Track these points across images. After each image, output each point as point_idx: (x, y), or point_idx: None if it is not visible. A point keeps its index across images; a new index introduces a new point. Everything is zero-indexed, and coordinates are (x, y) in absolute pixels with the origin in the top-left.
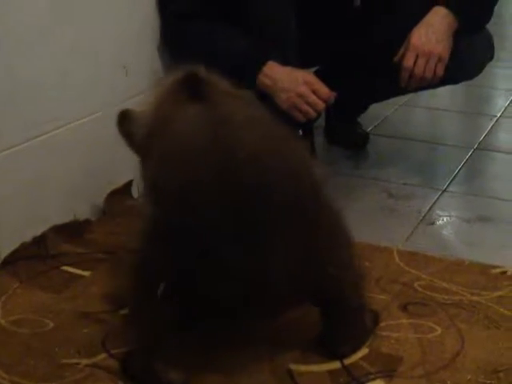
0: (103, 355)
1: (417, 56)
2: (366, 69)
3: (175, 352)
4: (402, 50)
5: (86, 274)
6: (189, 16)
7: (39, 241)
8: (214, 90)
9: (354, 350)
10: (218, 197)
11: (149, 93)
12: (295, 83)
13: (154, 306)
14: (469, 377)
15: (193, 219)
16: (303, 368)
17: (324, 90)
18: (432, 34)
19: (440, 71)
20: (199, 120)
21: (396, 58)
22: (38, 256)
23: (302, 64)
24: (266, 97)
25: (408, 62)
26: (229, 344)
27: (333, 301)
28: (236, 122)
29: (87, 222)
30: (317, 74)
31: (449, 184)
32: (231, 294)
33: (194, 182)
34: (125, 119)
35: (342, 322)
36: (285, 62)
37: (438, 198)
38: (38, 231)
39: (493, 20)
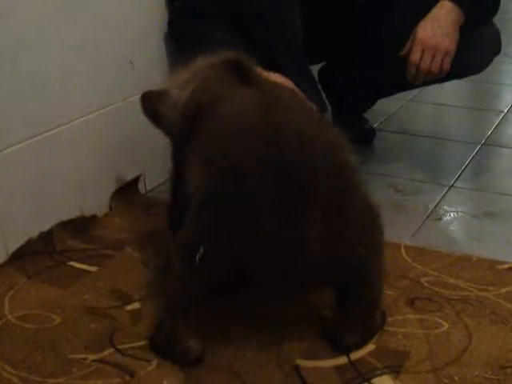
0: (110, 350)
1: (423, 50)
2: (372, 64)
3: (198, 321)
4: (408, 45)
5: (93, 269)
6: (192, 13)
7: (46, 236)
8: (258, 75)
9: (360, 344)
10: (266, 171)
11: (174, 75)
12: None
13: (191, 271)
14: (476, 372)
15: (243, 190)
16: (310, 363)
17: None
18: (438, 27)
19: (447, 65)
20: (252, 102)
21: (402, 53)
22: (44, 251)
23: (308, 60)
24: None
25: (414, 56)
26: (246, 323)
27: (355, 283)
28: (283, 104)
29: (94, 217)
30: (323, 69)
31: (456, 179)
32: (267, 264)
33: (246, 156)
34: (150, 100)
35: (354, 312)
36: (291, 56)
37: (445, 194)
38: (45, 227)
39: (498, 16)
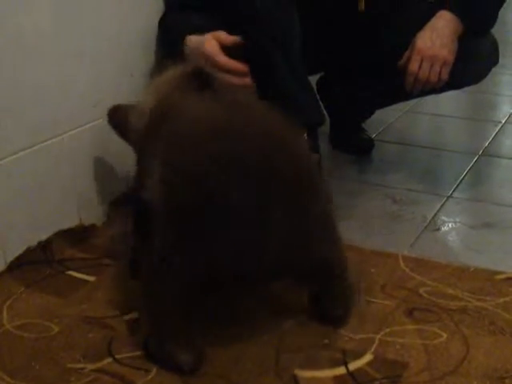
0: (108, 360)
1: (422, 60)
2: (371, 74)
3: (186, 333)
4: (406, 54)
5: (91, 278)
6: (182, 7)
7: (44, 245)
8: (219, 83)
9: (347, 312)
10: (230, 170)
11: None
12: (201, 41)
13: (166, 282)
14: (474, 383)
15: (209, 190)
16: (308, 373)
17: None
18: (437, 38)
19: (445, 75)
20: (212, 104)
21: (401, 62)
22: (43, 261)
23: (307, 70)
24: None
25: (413, 65)
26: (244, 332)
27: (324, 276)
28: (245, 105)
29: (92, 226)
30: (321, 80)
31: (454, 190)
32: (237, 260)
33: (209, 156)
34: (116, 112)
35: (332, 292)
36: (289, 67)
37: (443, 204)
38: (43, 236)
39: (497, 27)
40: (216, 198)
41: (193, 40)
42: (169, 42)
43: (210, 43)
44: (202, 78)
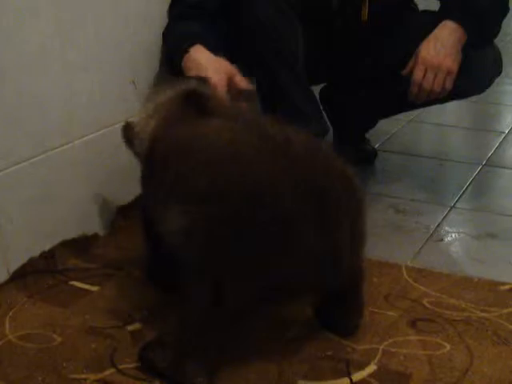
0: (111, 370)
1: (426, 69)
2: (374, 85)
3: (207, 356)
4: (410, 64)
5: (94, 288)
6: (186, 18)
7: (47, 256)
8: (217, 105)
9: (359, 323)
10: (274, 191)
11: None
12: (215, 72)
13: (209, 305)
14: None
15: (265, 214)
16: None
17: (243, 82)
18: (441, 47)
19: (449, 85)
20: (239, 126)
21: (405, 72)
22: (46, 271)
23: (310, 81)
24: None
25: (417, 75)
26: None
27: (346, 288)
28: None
29: (95, 236)
30: (324, 90)
31: (457, 200)
32: (301, 278)
33: (262, 178)
34: (126, 129)
35: (347, 304)
36: (293, 79)
37: (446, 215)
38: (47, 246)
39: (500, 37)
40: (256, 219)
41: (196, 58)
42: (167, 53)
43: (219, 76)
44: (199, 102)
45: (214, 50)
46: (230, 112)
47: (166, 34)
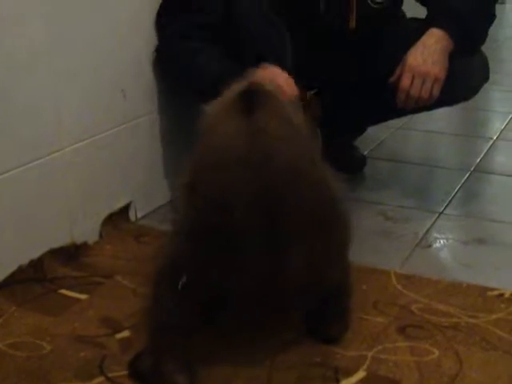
0: (100, 379)
1: (413, 76)
2: (362, 91)
3: (185, 355)
4: (398, 71)
5: (83, 297)
6: (187, 36)
7: (36, 264)
8: (264, 104)
9: (346, 330)
10: (252, 202)
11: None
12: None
13: (173, 300)
14: None
15: (226, 217)
16: None
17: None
18: (428, 54)
19: (436, 92)
20: (237, 131)
21: (392, 79)
22: (35, 279)
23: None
24: None
25: (404, 82)
26: (235, 352)
27: (336, 296)
28: (272, 133)
29: (84, 245)
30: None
31: (446, 207)
32: (250, 289)
33: (230, 186)
34: None
35: (335, 311)
36: None
37: (434, 221)
38: (35, 254)
39: (488, 44)
40: (237, 223)
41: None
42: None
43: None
44: (249, 100)
45: None
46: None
47: (181, 61)
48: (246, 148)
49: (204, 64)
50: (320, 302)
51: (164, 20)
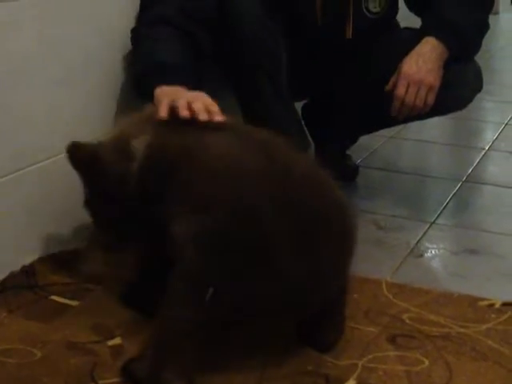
0: None
1: (408, 85)
2: (356, 100)
3: (186, 363)
4: (393, 79)
5: (75, 303)
6: (163, 22)
7: (28, 270)
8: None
9: (340, 336)
10: (279, 211)
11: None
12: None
13: (195, 312)
14: None
15: (258, 230)
16: None
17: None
18: (423, 63)
19: (431, 100)
20: (242, 145)
21: (387, 87)
22: (26, 285)
23: (292, 97)
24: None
25: (399, 90)
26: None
27: (337, 303)
28: (277, 145)
29: (76, 251)
30: (306, 106)
31: (437, 216)
32: (279, 301)
33: (258, 196)
34: (80, 151)
35: (331, 319)
36: (275, 93)
37: (426, 231)
38: (27, 261)
39: (481, 54)
40: (259, 235)
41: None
42: (136, 76)
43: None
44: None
45: (188, 78)
46: (225, 127)
47: (139, 44)
48: (263, 159)
49: (153, 50)
50: (319, 310)
51: (145, 2)
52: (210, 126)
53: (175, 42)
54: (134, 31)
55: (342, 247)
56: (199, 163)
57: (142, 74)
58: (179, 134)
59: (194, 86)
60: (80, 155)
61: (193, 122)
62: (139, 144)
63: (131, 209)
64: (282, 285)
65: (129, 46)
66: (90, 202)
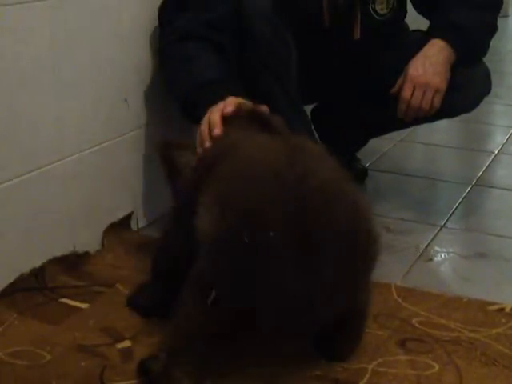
0: None
1: (414, 87)
2: (365, 103)
3: (196, 364)
4: (399, 82)
5: (84, 306)
6: (190, 36)
7: (37, 273)
8: (279, 125)
9: (355, 348)
10: (288, 220)
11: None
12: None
13: (201, 312)
14: None
15: (260, 235)
16: None
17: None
18: (429, 65)
19: (437, 102)
20: (273, 147)
21: (393, 90)
22: (36, 288)
23: (302, 100)
24: None
25: (405, 93)
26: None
27: (355, 319)
28: (307, 153)
29: (86, 254)
30: (315, 109)
31: (447, 220)
32: (277, 311)
33: (269, 201)
34: (166, 148)
35: (344, 332)
36: (285, 96)
37: (436, 234)
38: (37, 263)
39: (490, 57)
40: (272, 244)
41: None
42: (180, 97)
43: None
44: (262, 119)
45: (238, 93)
46: (286, 134)
47: (171, 64)
48: (283, 164)
49: (192, 69)
50: (335, 324)
51: (165, 17)
52: (262, 128)
53: (210, 57)
54: (162, 51)
55: (354, 260)
56: (227, 162)
57: (190, 96)
58: (228, 138)
59: (241, 95)
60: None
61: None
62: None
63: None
64: (281, 297)
65: (139, 48)
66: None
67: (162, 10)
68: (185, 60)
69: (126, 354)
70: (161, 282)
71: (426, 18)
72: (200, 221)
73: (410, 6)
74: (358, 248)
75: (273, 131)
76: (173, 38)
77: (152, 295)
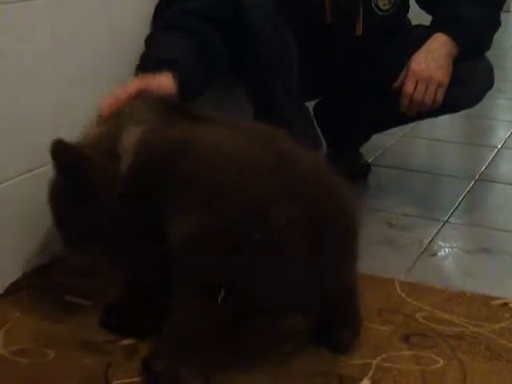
0: None
1: (417, 81)
2: (368, 98)
3: (201, 363)
4: (401, 76)
5: (88, 303)
6: (170, 26)
7: (41, 270)
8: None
9: (355, 335)
10: (289, 207)
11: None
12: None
13: (209, 311)
14: None
15: (260, 228)
16: None
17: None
18: (432, 59)
19: (440, 97)
20: (239, 137)
21: (396, 84)
22: (39, 286)
23: (304, 96)
24: None
25: (408, 87)
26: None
27: (349, 298)
28: (281, 140)
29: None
30: (318, 105)
31: (450, 215)
32: (292, 298)
33: (267, 194)
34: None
35: (341, 316)
36: (287, 93)
37: (439, 229)
38: (40, 261)
39: (493, 52)
40: (279, 232)
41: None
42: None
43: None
44: (182, 109)
45: (189, 74)
46: (219, 119)
47: (146, 49)
48: (268, 153)
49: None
50: (329, 309)
51: (156, 13)
52: (200, 120)
53: (179, 42)
54: (145, 39)
55: (346, 246)
56: (190, 158)
57: (137, 69)
58: (171, 128)
59: (189, 79)
60: (67, 156)
61: (184, 114)
62: (126, 141)
63: (120, 212)
64: (287, 281)
65: (141, 48)
66: (67, 215)
67: (156, 8)
68: (156, 44)
69: (130, 350)
70: (134, 298)
71: (429, 14)
72: (181, 225)
73: (412, 1)
74: (348, 233)
75: (200, 119)
76: (156, 28)
77: (127, 313)
